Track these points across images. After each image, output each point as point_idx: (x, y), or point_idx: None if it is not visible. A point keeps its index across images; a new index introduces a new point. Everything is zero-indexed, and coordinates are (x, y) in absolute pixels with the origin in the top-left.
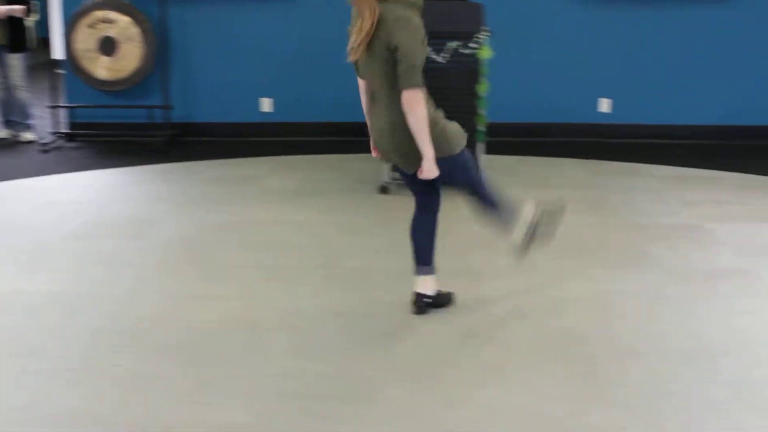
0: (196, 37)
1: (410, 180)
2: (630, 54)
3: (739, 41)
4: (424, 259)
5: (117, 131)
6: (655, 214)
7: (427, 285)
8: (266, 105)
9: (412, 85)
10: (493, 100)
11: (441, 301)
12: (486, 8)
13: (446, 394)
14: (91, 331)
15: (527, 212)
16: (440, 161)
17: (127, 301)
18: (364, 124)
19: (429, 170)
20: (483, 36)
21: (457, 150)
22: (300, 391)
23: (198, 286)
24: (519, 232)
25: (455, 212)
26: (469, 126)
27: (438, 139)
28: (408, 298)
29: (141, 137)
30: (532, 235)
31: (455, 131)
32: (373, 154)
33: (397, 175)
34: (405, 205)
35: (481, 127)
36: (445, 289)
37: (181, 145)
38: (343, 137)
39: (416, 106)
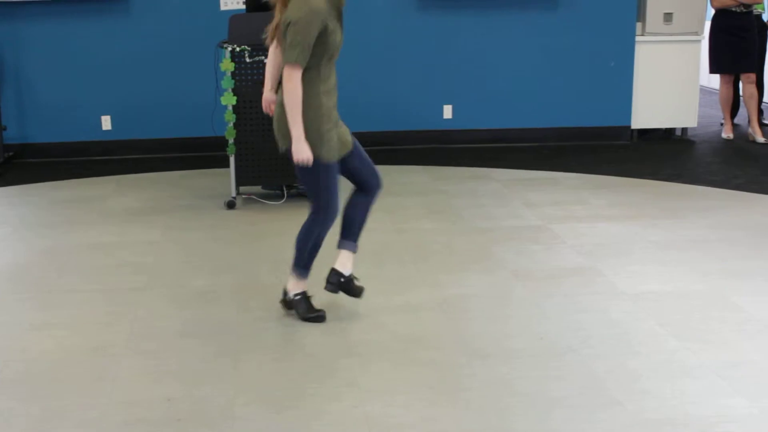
0: (29, 54)
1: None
2: (466, 60)
3: (570, 45)
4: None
5: None
6: (499, 217)
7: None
8: (106, 122)
9: (288, 61)
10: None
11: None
12: None
13: (300, 411)
14: None
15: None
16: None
17: None
18: (204, 139)
19: (296, 151)
20: None
21: (323, 157)
22: (149, 418)
23: (36, 315)
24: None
25: (294, 221)
26: None
27: (310, 130)
28: (256, 314)
29: None
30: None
31: (329, 139)
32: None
33: (246, 190)
34: (252, 220)
35: None
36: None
37: (17, 167)
38: (187, 153)
39: (289, 83)
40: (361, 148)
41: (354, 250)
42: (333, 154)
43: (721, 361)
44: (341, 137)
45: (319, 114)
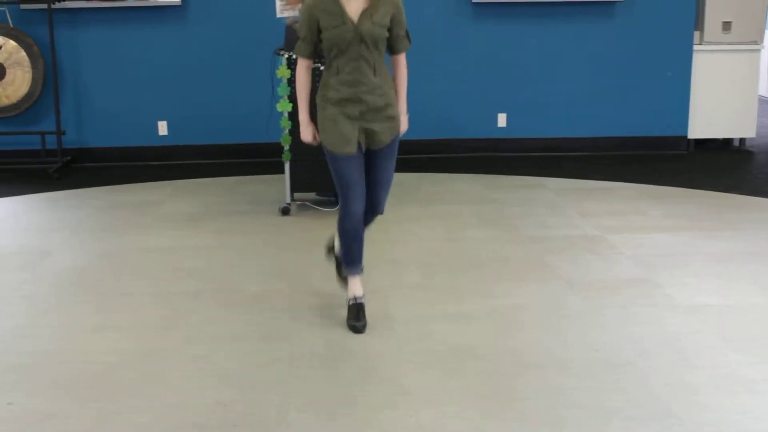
0: (88, 60)
1: None
2: (521, 68)
3: (627, 54)
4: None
5: (8, 158)
6: (554, 226)
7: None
8: (163, 128)
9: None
10: None
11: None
12: None
13: (352, 418)
14: None
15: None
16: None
17: (19, 335)
18: (259, 145)
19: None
20: None
21: (324, 144)
22: (202, 422)
23: (93, 318)
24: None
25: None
26: None
27: (318, 116)
28: (308, 320)
29: (33, 164)
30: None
31: (329, 127)
32: None
33: (300, 196)
34: (307, 227)
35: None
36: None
37: (76, 171)
38: (242, 159)
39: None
40: (384, 167)
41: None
42: (331, 142)
43: None
44: (346, 132)
45: (322, 103)
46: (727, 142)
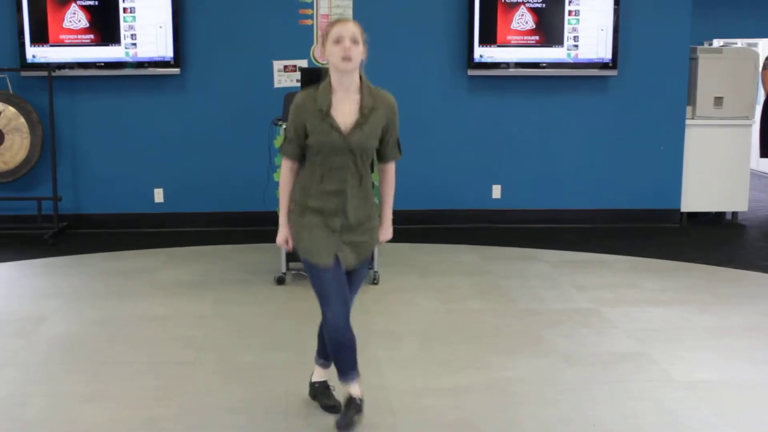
0: (86, 127)
1: None
2: (515, 140)
3: (621, 128)
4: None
5: (4, 224)
6: (549, 299)
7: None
8: (159, 195)
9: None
10: None
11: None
12: None
13: None
14: None
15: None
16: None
17: (13, 404)
18: (255, 213)
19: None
20: None
21: (302, 255)
22: None
23: (87, 387)
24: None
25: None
26: None
27: (291, 221)
28: (305, 391)
29: (29, 230)
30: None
31: (305, 236)
32: None
33: (295, 265)
34: (302, 297)
35: None
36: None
37: (71, 237)
38: (238, 227)
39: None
40: (357, 277)
41: (320, 365)
42: (307, 251)
43: None
44: (325, 243)
45: (300, 210)
46: (720, 215)
